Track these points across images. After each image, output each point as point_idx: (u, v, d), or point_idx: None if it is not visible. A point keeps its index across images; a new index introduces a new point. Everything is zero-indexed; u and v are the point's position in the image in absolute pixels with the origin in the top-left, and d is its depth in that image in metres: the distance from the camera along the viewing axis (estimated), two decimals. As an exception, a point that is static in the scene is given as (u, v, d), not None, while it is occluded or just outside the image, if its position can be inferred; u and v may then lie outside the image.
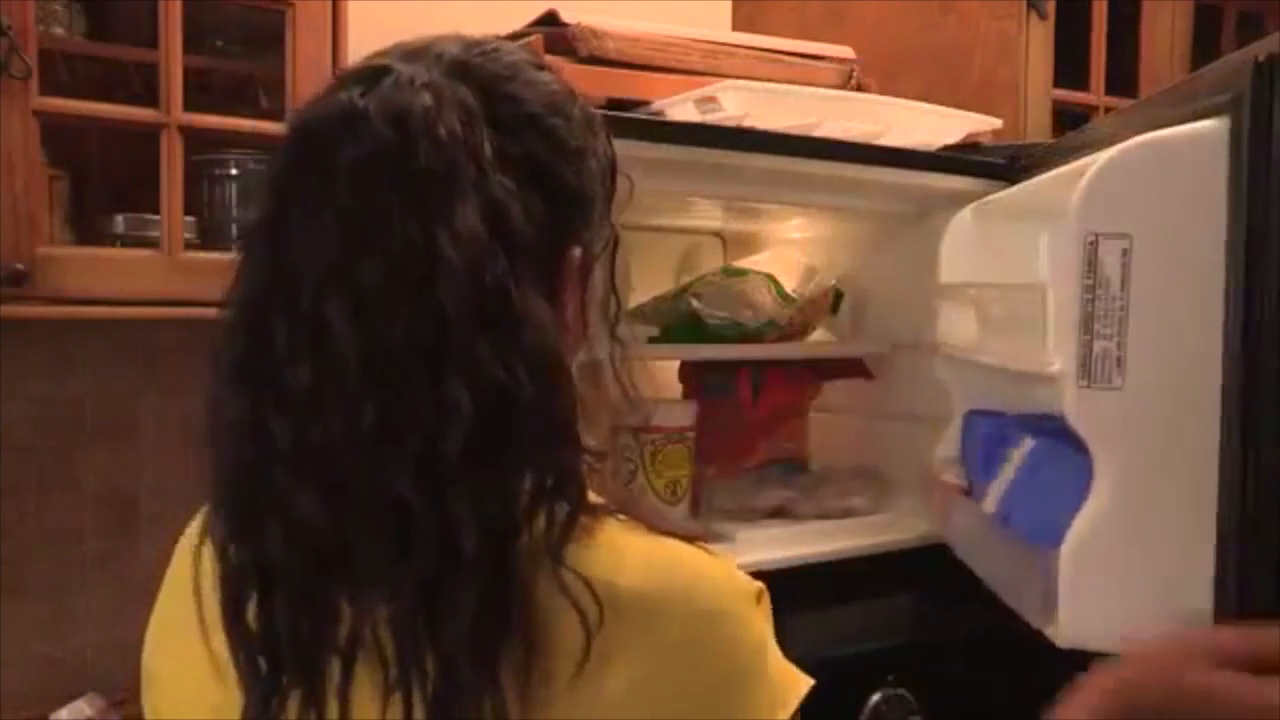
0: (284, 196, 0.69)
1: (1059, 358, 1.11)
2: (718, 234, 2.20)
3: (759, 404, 1.85)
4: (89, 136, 1.74)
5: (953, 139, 1.71)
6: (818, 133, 1.55)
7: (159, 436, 1.88)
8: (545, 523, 0.67)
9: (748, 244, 2.19)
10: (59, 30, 1.64)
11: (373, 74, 0.70)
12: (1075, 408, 1.08)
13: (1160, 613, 1.06)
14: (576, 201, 0.79)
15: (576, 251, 0.79)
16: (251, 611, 0.68)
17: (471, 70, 0.74)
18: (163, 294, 1.56)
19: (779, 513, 1.73)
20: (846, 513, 1.75)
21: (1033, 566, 1.14)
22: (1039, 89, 1.95)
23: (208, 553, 0.70)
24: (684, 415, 1.63)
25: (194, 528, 0.80)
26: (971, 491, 1.51)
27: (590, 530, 0.71)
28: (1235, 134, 0.99)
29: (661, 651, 0.70)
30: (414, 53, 0.75)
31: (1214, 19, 2.32)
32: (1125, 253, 1.03)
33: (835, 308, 1.94)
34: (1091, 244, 1.04)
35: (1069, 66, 2.02)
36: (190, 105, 1.57)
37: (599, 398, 0.82)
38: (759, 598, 0.77)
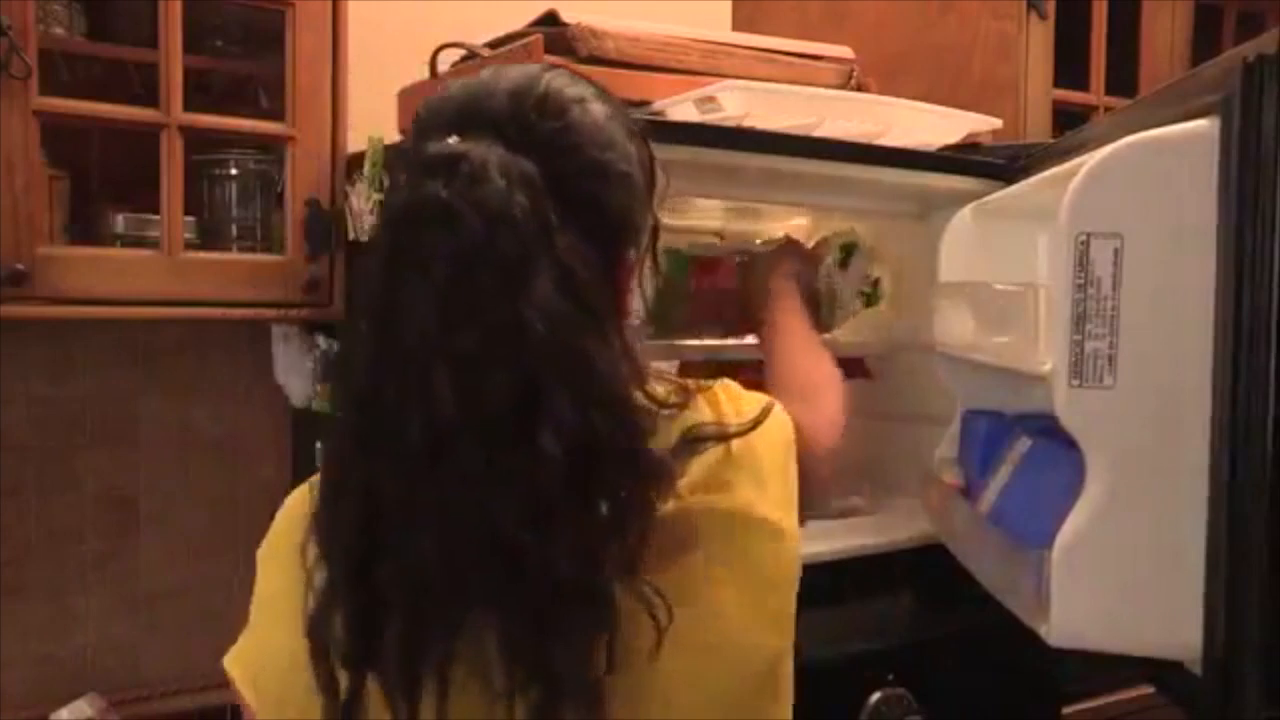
0: (388, 283, 0.76)
1: (1051, 357, 1.11)
2: (718, 234, 2.20)
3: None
4: (89, 136, 1.74)
5: (953, 139, 1.71)
6: (818, 133, 1.55)
7: (159, 437, 1.89)
8: (621, 539, 0.77)
9: (747, 244, 2.19)
10: (59, 30, 1.64)
11: (449, 163, 0.76)
12: (1066, 407, 1.08)
13: (1150, 611, 1.06)
14: (628, 216, 0.88)
15: (632, 254, 0.90)
16: (337, 623, 0.76)
17: (530, 133, 0.81)
18: (163, 294, 1.57)
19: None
20: (846, 513, 1.75)
21: (1025, 565, 1.14)
22: (1039, 89, 1.95)
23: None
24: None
25: (285, 534, 0.88)
26: (969, 491, 1.51)
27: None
28: (1225, 133, 0.99)
29: None
30: (471, 115, 0.82)
31: (1214, 19, 2.32)
32: (1116, 252, 1.03)
33: (845, 262, 1.93)
34: (1083, 243, 1.04)
35: (1069, 66, 2.02)
36: (190, 105, 1.57)
37: None
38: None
